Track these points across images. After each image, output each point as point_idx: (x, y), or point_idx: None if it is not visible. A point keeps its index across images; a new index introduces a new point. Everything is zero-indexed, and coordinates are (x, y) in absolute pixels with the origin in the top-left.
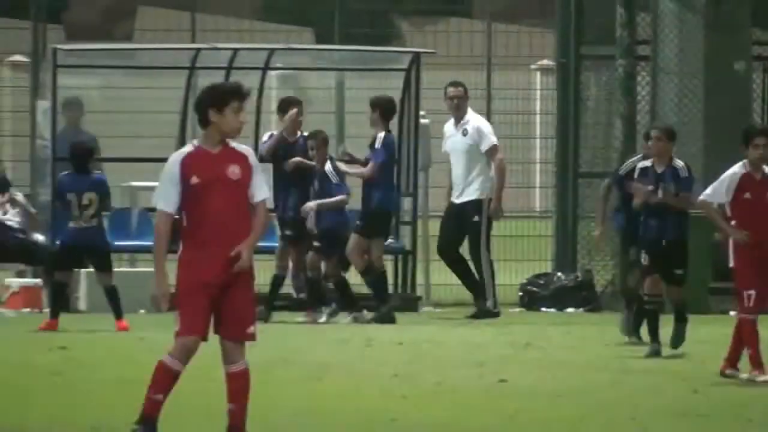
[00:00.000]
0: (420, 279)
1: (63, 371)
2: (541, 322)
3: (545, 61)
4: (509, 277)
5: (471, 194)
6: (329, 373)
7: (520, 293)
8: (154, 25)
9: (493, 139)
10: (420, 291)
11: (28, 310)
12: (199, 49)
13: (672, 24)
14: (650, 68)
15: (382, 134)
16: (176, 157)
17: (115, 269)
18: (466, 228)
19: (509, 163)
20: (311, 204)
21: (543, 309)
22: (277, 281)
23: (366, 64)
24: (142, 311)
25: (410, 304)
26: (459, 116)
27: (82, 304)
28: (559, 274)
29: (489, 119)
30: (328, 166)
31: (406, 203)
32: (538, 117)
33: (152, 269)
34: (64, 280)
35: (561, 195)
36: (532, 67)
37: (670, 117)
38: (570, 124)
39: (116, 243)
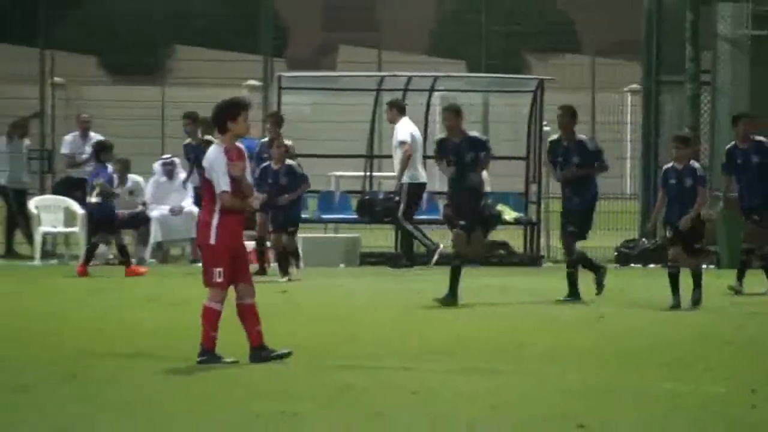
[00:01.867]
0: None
1: (285, 311)
2: (630, 275)
3: (634, 86)
4: (608, 241)
5: None
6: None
7: (616, 254)
8: (351, 58)
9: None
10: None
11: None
12: (383, 76)
13: (726, 58)
14: (710, 91)
15: None
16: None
17: (322, 234)
18: None
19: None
20: None
21: (632, 265)
22: None
23: (504, 87)
24: (342, 265)
25: (536, 261)
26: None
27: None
28: (644, 240)
29: (593, 128)
30: None
31: (533, 188)
32: (629, 126)
33: (347, 235)
34: None
35: (644, 182)
36: (624, 89)
37: (724, 128)
38: (651, 132)
39: (323, 216)
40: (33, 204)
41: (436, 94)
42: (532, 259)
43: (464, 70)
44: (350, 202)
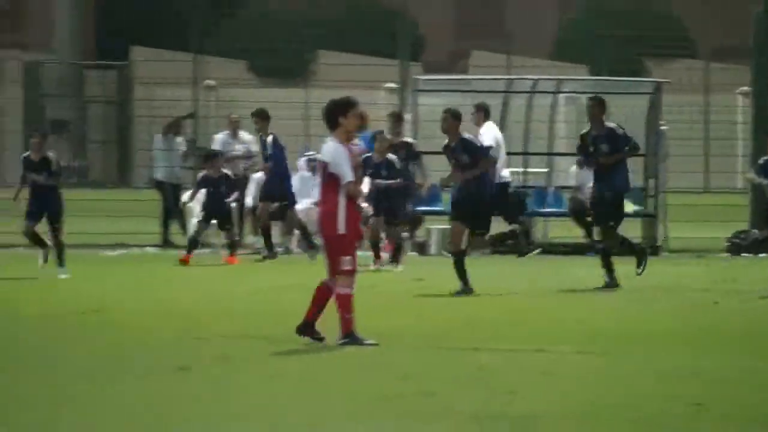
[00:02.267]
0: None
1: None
2: (742, 265)
3: (744, 88)
4: (721, 232)
5: None
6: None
7: (728, 244)
8: (482, 62)
9: None
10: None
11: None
12: (511, 79)
13: None
14: None
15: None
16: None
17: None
18: None
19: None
20: None
21: (743, 255)
22: None
23: (624, 89)
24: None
25: (655, 251)
26: None
27: (433, 250)
28: (755, 230)
29: (707, 128)
30: None
31: (651, 183)
32: (739, 126)
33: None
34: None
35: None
36: (736, 91)
37: None
38: (760, 130)
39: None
40: (187, 198)
41: (560, 96)
42: (650, 248)
43: (586, 73)
44: (564, 200)
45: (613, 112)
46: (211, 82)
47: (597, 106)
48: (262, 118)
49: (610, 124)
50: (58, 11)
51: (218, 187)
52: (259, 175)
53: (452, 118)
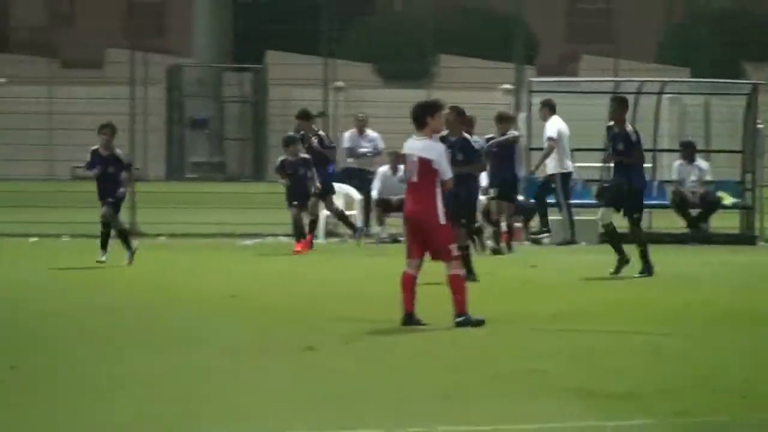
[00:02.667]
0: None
1: (534, 281)
2: None
3: None
4: None
5: None
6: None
7: None
8: (591, 66)
9: None
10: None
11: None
12: (618, 81)
13: None
14: None
15: None
16: None
17: None
18: None
19: None
20: None
21: None
22: None
23: (723, 90)
24: (583, 243)
25: (752, 240)
26: None
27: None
28: None
29: None
30: None
31: (748, 177)
32: None
33: (587, 217)
34: None
35: None
36: None
37: None
38: None
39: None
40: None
41: (664, 97)
42: (748, 238)
43: (688, 76)
44: (590, 189)
45: (713, 112)
46: (340, 84)
47: (618, 106)
48: (303, 118)
49: (629, 127)
50: (198, 19)
51: (297, 170)
52: (384, 169)
53: (456, 115)
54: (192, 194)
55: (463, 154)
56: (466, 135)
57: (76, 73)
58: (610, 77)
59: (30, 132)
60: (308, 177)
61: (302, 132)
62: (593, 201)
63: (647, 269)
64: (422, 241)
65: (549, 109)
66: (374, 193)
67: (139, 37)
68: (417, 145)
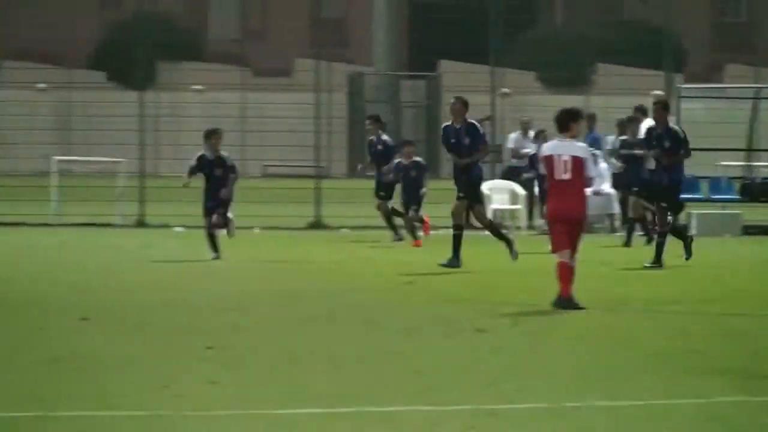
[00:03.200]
0: None
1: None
2: None
3: None
4: None
5: None
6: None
7: None
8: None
9: None
10: None
11: None
12: (759, 87)
13: None
14: None
15: None
16: None
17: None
18: None
19: None
20: None
21: None
22: None
23: None
24: (727, 236)
25: None
26: None
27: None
28: None
29: None
30: None
31: None
32: None
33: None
34: None
35: None
36: None
37: None
38: None
39: (712, 196)
40: (486, 187)
41: None
42: None
43: None
44: (734, 186)
45: None
46: (506, 90)
47: (661, 109)
48: (375, 121)
49: (674, 126)
50: (377, 31)
51: (409, 172)
52: None
53: (461, 104)
54: (371, 190)
55: (469, 138)
56: (472, 121)
57: (267, 81)
58: (751, 84)
59: (225, 134)
60: (421, 180)
61: (373, 136)
62: (737, 197)
63: (658, 261)
64: (568, 232)
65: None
66: (536, 190)
67: (324, 47)
68: (565, 146)
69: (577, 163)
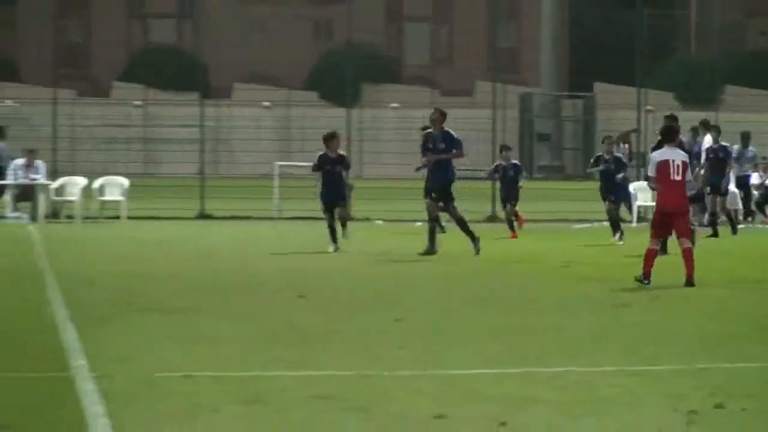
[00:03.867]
0: None
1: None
2: None
3: None
4: None
5: None
6: None
7: None
8: None
9: None
10: None
11: None
12: None
13: None
14: None
15: None
16: None
17: None
18: None
19: None
20: None
21: None
22: None
23: None
24: None
25: None
26: None
27: None
28: None
29: None
30: None
31: None
32: None
33: None
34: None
35: None
36: None
37: None
38: None
39: None
40: (632, 187)
41: None
42: None
43: None
44: None
45: None
46: (650, 107)
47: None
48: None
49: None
50: (544, 58)
51: (507, 172)
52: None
53: (439, 114)
54: (539, 190)
55: (444, 143)
56: (447, 129)
57: (452, 100)
58: None
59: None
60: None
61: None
62: None
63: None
64: (669, 224)
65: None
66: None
67: (499, 72)
68: (677, 153)
69: (685, 167)
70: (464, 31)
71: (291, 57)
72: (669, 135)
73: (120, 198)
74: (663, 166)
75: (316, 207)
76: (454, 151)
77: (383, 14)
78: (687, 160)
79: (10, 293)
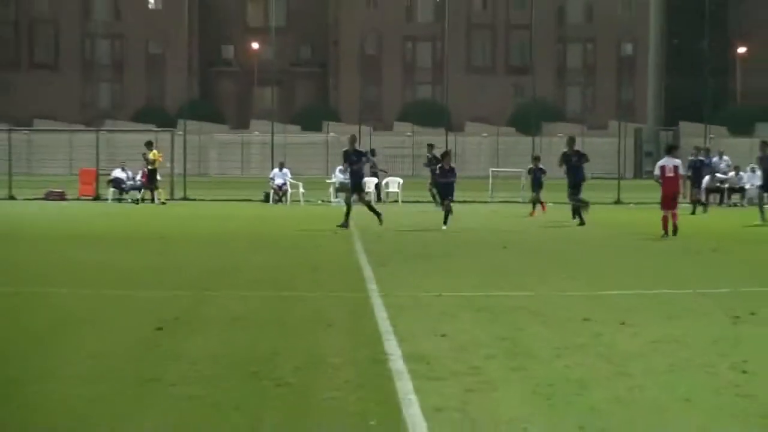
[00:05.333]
0: None
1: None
2: None
3: None
4: None
5: None
6: None
7: None
8: None
9: None
10: None
11: None
12: None
13: None
14: None
15: None
16: None
17: None
18: None
19: None
20: None
21: None
22: None
23: None
24: None
25: None
26: None
27: None
28: None
29: None
30: None
31: None
32: None
33: None
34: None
35: None
36: None
37: None
38: None
39: None
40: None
41: None
42: None
43: None
44: None
45: None
46: (712, 136)
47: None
48: (572, 139)
49: None
50: (649, 105)
51: (536, 175)
52: None
53: (571, 139)
54: (647, 185)
55: (577, 156)
56: (576, 148)
57: (594, 131)
58: None
59: None
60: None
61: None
62: None
63: None
64: (668, 201)
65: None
66: None
67: (623, 115)
68: (672, 161)
69: (676, 169)
70: (602, 88)
71: (499, 106)
72: (669, 151)
73: (397, 190)
74: (662, 168)
75: (516, 195)
76: (584, 161)
77: (554, 79)
78: (679, 165)
79: (332, 246)
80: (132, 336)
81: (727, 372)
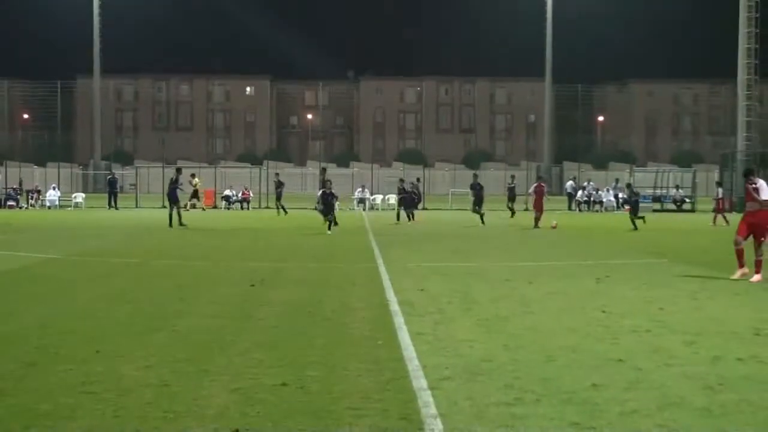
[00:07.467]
0: None
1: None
2: None
3: None
4: None
5: None
6: None
7: None
8: None
9: None
10: None
11: None
12: None
13: None
14: None
15: None
16: None
17: None
18: None
19: None
20: None
21: None
22: None
23: None
24: None
25: None
26: None
27: None
28: None
29: None
30: None
31: None
32: None
33: None
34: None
35: None
36: None
37: None
38: None
39: None
40: None
41: None
42: None
43: None
44: None
45: None
46: None
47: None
48: None
49: None
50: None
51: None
52: None
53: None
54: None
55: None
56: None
57: None
58: None
59: None
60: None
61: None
62: None
63: None
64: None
65: None
66: None
67: (529, 161)
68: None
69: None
70: (517, 141)
71: (455, 152)
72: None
73: (394, 202)
74: (535, 188)
75: (466, 206)
76: (482, 188)
77: (488, 135)
78: (544, 186)
79: (353, 238)
80: (236, 290)
81: (593, 311)
